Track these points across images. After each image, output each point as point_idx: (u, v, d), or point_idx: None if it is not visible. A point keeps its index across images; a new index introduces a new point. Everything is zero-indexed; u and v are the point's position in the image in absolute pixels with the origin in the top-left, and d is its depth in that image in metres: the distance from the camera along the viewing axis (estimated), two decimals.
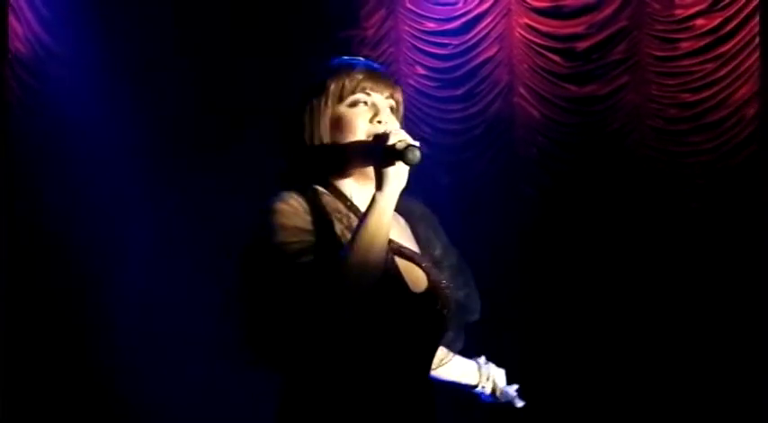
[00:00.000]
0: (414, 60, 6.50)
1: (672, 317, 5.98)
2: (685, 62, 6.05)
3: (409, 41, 6.52)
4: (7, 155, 6.36)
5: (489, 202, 6.30)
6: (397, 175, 2.14)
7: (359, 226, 2.12)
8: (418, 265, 2.28)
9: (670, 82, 6.09)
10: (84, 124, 6.39)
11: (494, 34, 6.39)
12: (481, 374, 2.62)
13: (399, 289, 2.19)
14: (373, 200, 2.14)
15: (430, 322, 2.23)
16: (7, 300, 6.18)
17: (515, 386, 2.66)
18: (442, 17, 6.48)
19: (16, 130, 6.43)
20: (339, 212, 2.24)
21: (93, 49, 6.42)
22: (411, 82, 6.47)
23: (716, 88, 5.96)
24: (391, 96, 2.31)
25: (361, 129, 2.25)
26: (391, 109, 2.31)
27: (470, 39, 6.41)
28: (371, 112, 2.28)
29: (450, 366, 2.54)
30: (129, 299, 6.30)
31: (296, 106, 2.31)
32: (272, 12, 6.52)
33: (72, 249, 6.36)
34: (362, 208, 2.20)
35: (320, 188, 2.27)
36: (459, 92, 6.41)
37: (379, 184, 2.15)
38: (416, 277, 2.25)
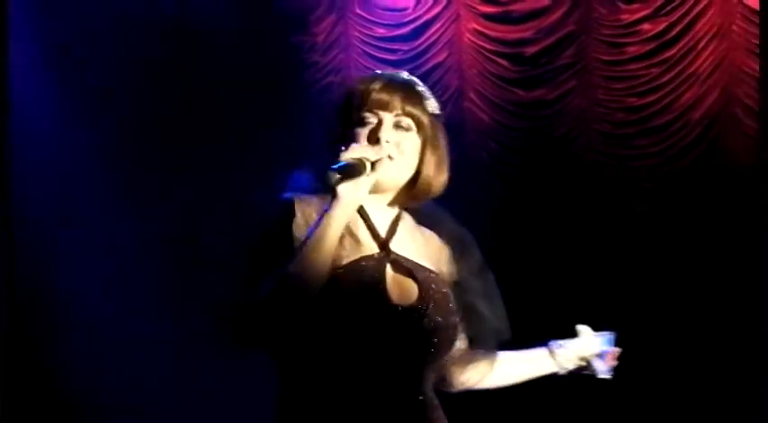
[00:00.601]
0: (364, 66, 6.51)
1: (621, 321, 6.02)
2: (632, 66, 6.13)
3: (359, 47, 6.54)
4: None
5: (440, 205, 6.31)
6: (338, 192, 2.14)
7: (304, 239, 2.15)
8: (414, 278, 2.26)
9: (617, 86, 6.16)
10: (49, 131, 6.36)
11: (443, 40, 6.43)
12: (556, 361, 2.61)
13: (378, 299, 2.19)
14: (319, 219, 2.16)
15: (412, 335, 2.20)
16: None
17: (610, 352, 2.64)
18: (391, 23, 6.51)
19: None
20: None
21: (52, 52, 6.40)
22: None
23: (661, 92, 6.04)
24: (403, 113, 2.28)
25: (356, 146, 2.22)
26: (401, 125, 2.28)
27: (420, 44, 6.44)
28: (375, 132, 2.26)
29: (509, 369, 2.53)
30: (100, 308, 6.27)
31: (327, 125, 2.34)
32: (218, 16, 6.51)
33: (38, 253, 6.32)
34: (377, 220, 2.28)
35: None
36: None
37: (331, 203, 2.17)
38: (407, 289, 2.24)
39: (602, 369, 2.60)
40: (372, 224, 2.29)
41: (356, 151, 2.17)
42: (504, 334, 2.45)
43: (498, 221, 6.26)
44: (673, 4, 5.99)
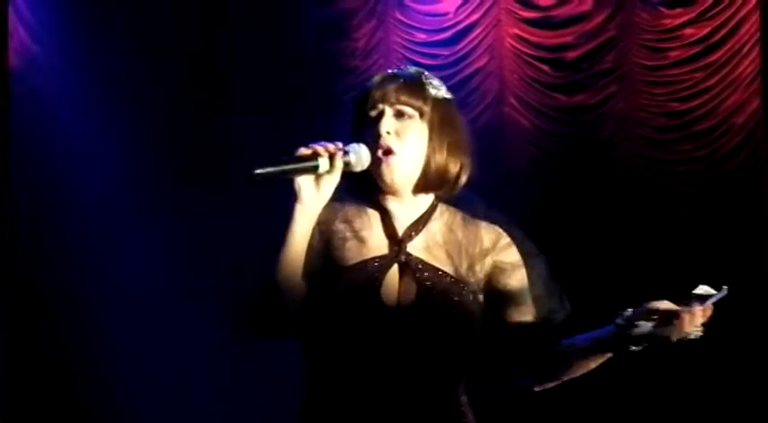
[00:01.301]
0: None
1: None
2: (674, 71, 6.09)
3: (400, 52, 6.53)
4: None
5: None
6: (297, 190, 2.17)
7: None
8: (417, 281, 2.22)
9: (659, 91, 6.12)
10: (76, 138, 6.39)
11: (484, 45, 6.42)
12: (620, 326, 2.36)
13: (371, 301, 2.18)
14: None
15: (402, 340, 2.17)
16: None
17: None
18: (432, 28, 6.50)
19: (7, 144, 6.43)
20: (347, 223, 2.26)
21: (85, 62, 6.43)
22: None
23: (705, 97, 5.99)
24: (398, 102, 2.26)
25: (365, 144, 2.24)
26: (402, 114, 2.26)
27: (460, 49, 6.43)
28: (376, 125, 2.26)
29: (581, 356, 2.34)
30: (129, 311, 6.30)
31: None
32: (262, 24, 6.54)
33: (66, 260, 6.35)
34: (400, 218, 2.26)
35: (367, 198, 2.29)
36: None
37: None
38: (407, 293, 2.21)
39: (687, 327, 2.24)
40: (392, 223, 2.26)
41: (311, 146, 2.17)
42: (563, 312, 2.39)
43: (538, 227, 6.22)
44: (716, 9, 5.94)
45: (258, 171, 2.11)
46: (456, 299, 2.22)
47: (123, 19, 6.54)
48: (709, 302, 2.23)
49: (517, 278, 2.33)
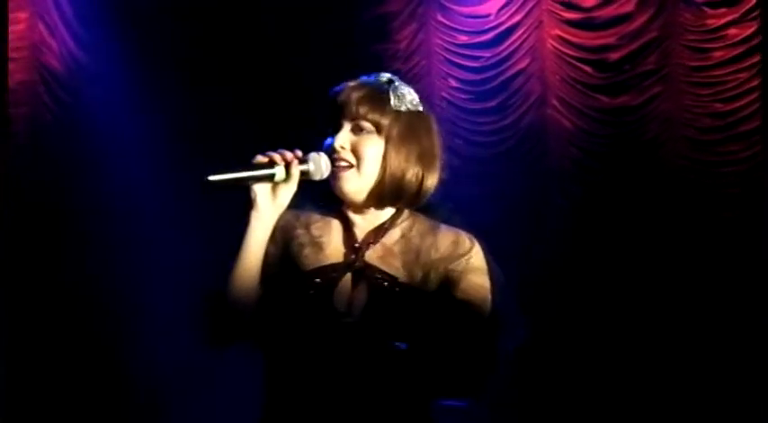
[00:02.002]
0: (446, 73, 6.51)
1: (709, 326, 5.95)
2: (718, 72, 6.04)
3: (441, 54, 6.53)
4: (41, 169, 6.44)
5: (522, 213, 6.30)
6: (253, 198, 2.19)
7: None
8: (370, 288, 2.20)
9: (703, 92, 6.07)
10: (119, 141, 6.44)
11: (526, 46, 6.40)
12: None
13: (323, 308, 2.18)
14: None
15: (352, 346, 2.17)
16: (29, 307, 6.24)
17: None
18: (473, 30, 6.49)
19: (50, 146, 6.49)
20: (306, 228, 2.27)
21: (127, 67, 6.47)
22: (444, 94, 6.48)
23: (749, 98, 5.94)
24: (358, 117, 2.25)
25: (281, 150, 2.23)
26: (360, 129, 2.25)
27: (502, 51, 6.41)
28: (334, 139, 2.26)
29: None
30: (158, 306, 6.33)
31: None
32: (304, 26, 6.55)
33: (104, 263, 6.40)
34: (360, 227, 2.25)
35: (331, 207, 2.30)
36: (492, 104, 6.41)
37: None
38: (358, 300, 2.20)
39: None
40: (352, 231, 2.26)
41: (268, 154, 2.18)
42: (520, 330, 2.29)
43: (581, 228, 6.21)
44: (760, 9, 5.88)
45: (211, 178, 2.12)
46: (406, 306, 2.20)
47: (164, 26, 6.57)
48: None
49: (462, 288, 2.23)
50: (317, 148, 2.25)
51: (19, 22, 6.51)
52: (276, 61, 6.61)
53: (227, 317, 2.19)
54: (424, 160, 2.29)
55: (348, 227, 2.27)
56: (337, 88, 2.30)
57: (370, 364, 2.17)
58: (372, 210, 2.26)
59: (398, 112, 2.29)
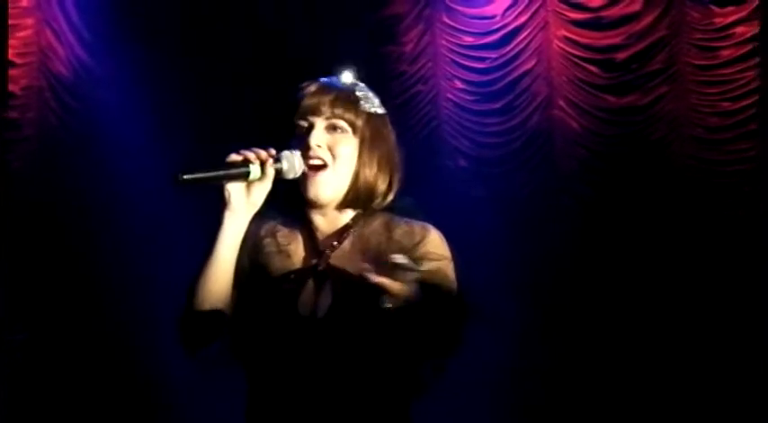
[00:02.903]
0: (452, 75, 6.50)
1: (719, 324, 5.93)
2: (726, 70, 6.02)
3: (447, 56, 6.52)
4: (48, 176, 6.45)
5: (530, 214, 6.29)
6: (227, 197, 2.19)
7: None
8: (335, 290, 2.20)
9: (710, 90, 6.06)
10: (127, 145, 6.44)
11: (532, 47, 6.39)
12: None
13: (290, 312, 2.18)
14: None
15: (320, 349, 2.16)
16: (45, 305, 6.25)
17: None
18: (479, 31, 6.48)
19: (59, 152, 6.51)
20: (273, 237, 2.26)
21: (135, 72, 6.47)
22: (450, 96, 6.47)
23: (757, 96, 5.92)
24: (333, 115, 2.25)
25: (251, 149, 2.21)
26: (334, 127, 2.25)
27: (508, 52, 6.40)
28: (307, 137, 2.24)
29: None
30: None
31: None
32: (309, 30, 6.55)
33: (112, 269, 6.40)
34: (323, 231, 2.25)
35: (292, 213, 2.29)
36: (498, 105, 6.40)
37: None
38: (320, 301, 2.20)
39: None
40: (315, 236, 2.25)
41: (242, 153, 2.16)
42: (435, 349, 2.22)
43: (589, 229, 6.20)
44: (761, 10, 5.85)
45: (185, 176, 2.11)
46: (371, 306, 2.14)
47: (171, 30, 6.57)
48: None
49: (434, 277, 2.21)
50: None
51: (26, 28, 6.53)
52: (283, 65, 6.61)
53: (199, 321, 2.18)
54: (391, 161, 2.30)
55: (311, 231, 2.26)
56: (304, 89, 2.29)
57: (339, 362, 2.17)
58: (335, 213, 2.25)
59: (368, 114, 2.29)
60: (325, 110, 2.25)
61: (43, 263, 6.43)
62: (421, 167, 6.26)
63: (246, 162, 2.15)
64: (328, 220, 2.27)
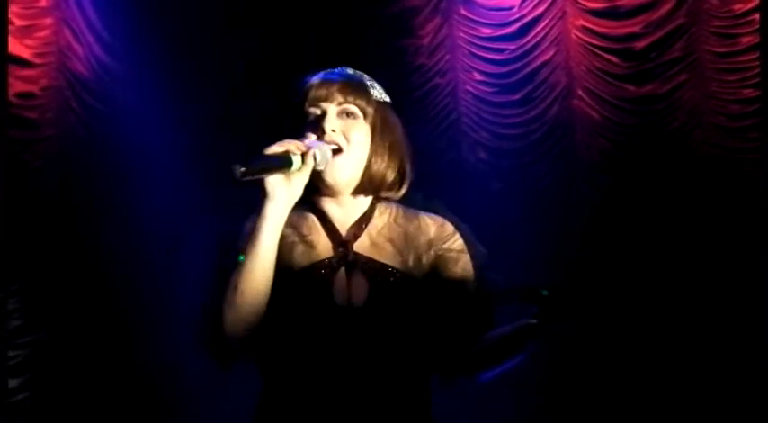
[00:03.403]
0: (470, 67, 6.49)
1: (741, 316, 5.90)
2: (746, 57, 5.99)
3: (465, 48, 6.51)
4: (68, 175, 6.47)
5: (551, 205, 6.27)
6: (269, 189, 2.15)
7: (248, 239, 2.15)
8: (368, 279, 2.22)
9: (731, 78, 6.03)
10: (148, 145, 6.46)
11: (550, 37, 6.37)
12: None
13: (325, 303, 2.18)
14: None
15: (360, 338, 2.18)
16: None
17: None
18: (497, 22, 6.46)
19: (79, 152, 6.53)
20: (294, 228, 2.25)
21: (154, 71, 6.49)
22: (468, 88, 6.46)
23: (759, 92, 5.90)
24: (345, 101, 2.26)
25: (287, 140, 2.21)
26: (347, 113, 2.27)
27: (527, 43, 6.39)
28: (320, 123, 2.25)
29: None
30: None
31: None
32: (327, 24, 6.54)
33: (132, 270, 6.42)
34: (340, 220, 2.26)
35: (307, 204, 2.27)
36: (517, 96, 6.39)
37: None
38: (356, 290, 2.21)
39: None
40: (333, 225, 2.27)
41: (282, 144, 2.16)
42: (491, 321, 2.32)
43: (610, 219, 6.18)
44: (761, 4, 5.82)
45: (242, 169, 2.10)
46: (405, 294, 2.23)
47: (190, 30, 6.58)
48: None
49: (461, 266, 2.29)
50: None
51: (44, 28, 6.55)
52: (300, 61, 6.61)
53: (240, 316, 2.14)
54: (401, 150, 2.32)
55: (328, 221, 2.27)
56: (314, 77, 2.31)
57: (382, 351, 2.19)
58: (350, 202, 2.26)
59: (378, 102, 2.31)
60: (338, 96, 2.27)
61: (62, 262, 6.45)
62: (440, 160, 6.32)
63: (288, 153, 2.14)
64: (344, 210, 2.28)
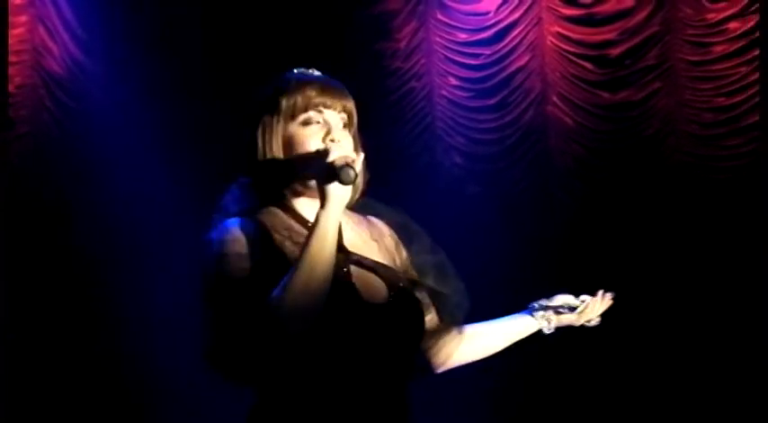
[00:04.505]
0: (446, 71, 6.50)
1: (710, 322, 5.94)
2: (719, 66, 6.03)
3: (441, 52, 6.52)
4: (43, 175, 6.44)
5: (524, 211, 6.29)
6: (337, 193, 2.09)
7: (302, 248, 2.08)
8: (379, 275, 2.23)
9: (704, 86, 6.07)
10: (123, 143, 6.44)
11: (525, 43, 6.39)
12: (536, 316, 2.62)
13: (352, 301, 2.15)
14: (316, 220, 2.09)
15: (389, 333, 2.16)
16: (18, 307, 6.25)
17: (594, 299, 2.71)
18: (473, 27, 6.48)
19: (53, 151, 6.50)
20: (290, 230, 2.21)
21: (129, 70, 6.47)
22: (444, 93, 6.48)
23: (751, 91, 5.93)
24: (343, 110, 2.26)
25: (313, 148, 2.21)
26: (344, 124, 2.26)
27: (502, 48, 6.41)
28: (324, 130, 2.22)
29: (491, 337, 2.52)
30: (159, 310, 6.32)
31: (249, 123, 2.30)
32: (303, 27, 6.54)
33: (106, 270, 6.40)
34: None
35: (273, 208, 2.25)
36: (492, 101, 6.41)
37: (322, 203, 2.10)
38: (375, 288, 2.20)
39: (586, 316, 2.71)
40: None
41: (344, 150, 2.14)
42: (465, 305, 2.39)
43: (584, 225, 6.20)
44: (760, 2, 5.87)
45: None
46: (408, 284, 2.27)
47: (167, 28, 6.57)
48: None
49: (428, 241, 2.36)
50: None
51: (19, 26, 6.52)
52: (276, 62, 6.60)
53: (308, 319, 2.06)
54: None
55: (307, 224, 2.21)
56: (308, 77, 2.29)
57: (405, 351, 2.20)
58: (317, 205, 2.15)
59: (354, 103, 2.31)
60: (339, 103, 2.26)
61: (34, 261, 6.42)
62: (415, 164, 6.33)
63: (348, 164, 2.11)
64: (315, 211, 2.20)
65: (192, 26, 6.55)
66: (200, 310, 2.15)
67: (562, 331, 2.61)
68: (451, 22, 6.51)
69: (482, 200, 6.25)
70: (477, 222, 6.06)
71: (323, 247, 2.07)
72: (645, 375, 5.99)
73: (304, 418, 2.12)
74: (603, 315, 2.65)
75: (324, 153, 2.14)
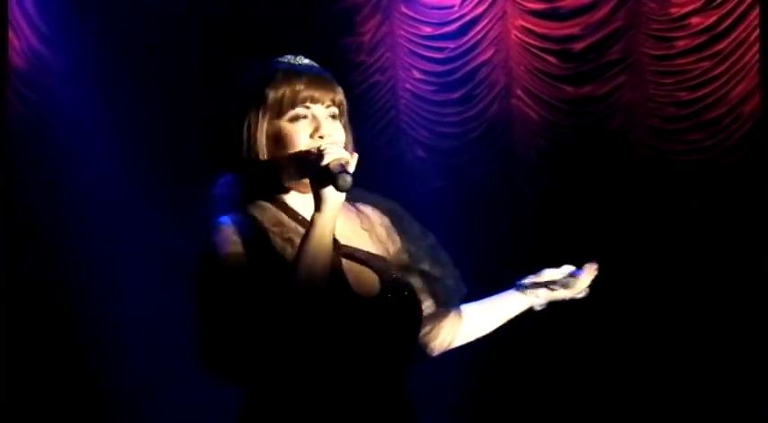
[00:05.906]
0: (410, 65, 6.51)
1: (674, 316, 5.98)
2: (681, 61, 6.06)
3: (405, 46, 6.53)
4: (7, 169, 6.38)
5: (489, 204, 6.30)
6: (332, 196, 2.06)
7: (299, 249, 2.06)
8: (372, 268, 2.20)
9: (667, 81, 6.10)
10: (86, 137, 6.41)
11: (490, 37, 6.40)
12: (526, 293, 2.63)
13: (345, 295, 2.12)
14: (312, 222, 2.07)
15: (385, 325, 2.14)
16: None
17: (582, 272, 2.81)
18: (437, 21, 6.49)
19: (16, 144, 6.45)
20: (282, 225, 2.18)
21: (92, 65, 6.44)
22: (408, 86, 6.48)
23: (713, 86, 5.97)
24: (332, 103, 2.21)
25: (301, 145, 2.17)
26: (333, 116, 2.21)
27: (466, 42, 6.42)
28: (312, 126, 2.18)
29: (483, 316, 2.51)
30: (131, 310, 6.29)
31: (232, 116, 2.23)
32: (267, 20, 6.52)
33: (71, 261, 6.36)
34: (308, 217, 2.13)
35: (262, 202, 2.21)
36: (457, 95, 6.42)
37: (317, 205, 2.07)
38: (368, 281, 2.18)
39: (576, 289, 2.77)
40: (306, 220, 2.16)
41: (337, 151, 2.10)
42: (462, 289, 2.41)
43: (548, 219, 6.23)
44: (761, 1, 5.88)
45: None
46: (402, 274, 2.27)
47: (129, 21, 6.54)
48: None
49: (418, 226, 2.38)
50: None
51: None
52: (239, 56, 6.57)
53: (306, 315, 2.04)
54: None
55: (299, 216, 2.20)
56: (295, 68, 2.24)
57: (401, 342, 2.19)
58: (310, 197, 2.14)
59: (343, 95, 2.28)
60: (328, 96, 2.21)
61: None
62: (379, 157, 6.33)
63: (344, 169, 2.08)
64: (306, 205, 2.19)
65: (153, 19, 6.52)
66: (192, 310, 2.12)
67: (553, 330, 2.61)
68: (416, 16, 6.51)
69: (446, 193, 6.26)
70: (442, 216, 6.06)
71: (320, 251, 2.05)
72: (616, 373, 6.02)
73: (299, 415, 2.10)
74: (582, 309, 2.66)
75: (318, 155, 2.10)
